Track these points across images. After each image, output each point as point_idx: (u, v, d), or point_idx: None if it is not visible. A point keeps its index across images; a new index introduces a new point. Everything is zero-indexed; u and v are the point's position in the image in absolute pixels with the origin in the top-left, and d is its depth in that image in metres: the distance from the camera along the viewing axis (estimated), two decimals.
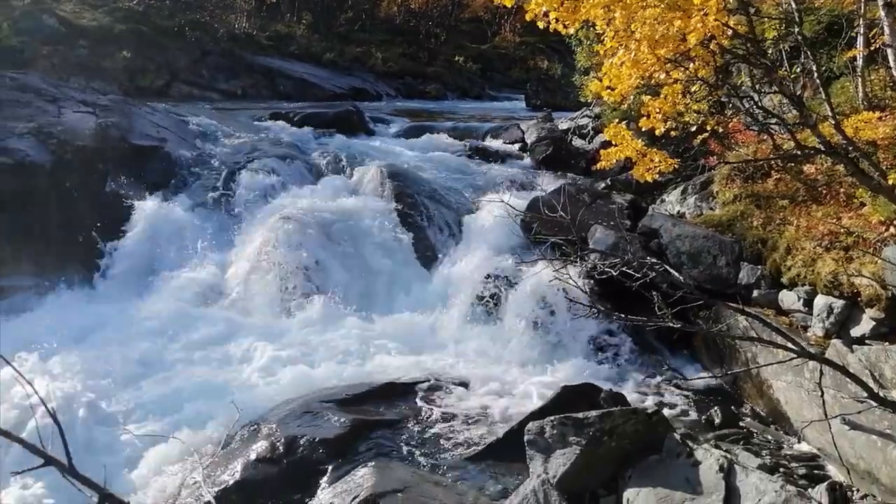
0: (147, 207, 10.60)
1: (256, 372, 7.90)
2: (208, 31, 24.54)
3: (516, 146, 14.99)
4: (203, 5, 25.71)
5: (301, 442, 6.15)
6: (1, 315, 9.10)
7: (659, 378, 8.27)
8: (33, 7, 21.95)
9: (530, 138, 14.80)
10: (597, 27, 5.57)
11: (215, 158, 12.30)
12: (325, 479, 5.86)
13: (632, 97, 6.66)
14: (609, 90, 5.63)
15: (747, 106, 6.74)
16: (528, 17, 5.49)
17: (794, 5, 5.69)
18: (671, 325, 3.60)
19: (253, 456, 6.06)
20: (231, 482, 5.85)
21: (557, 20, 5.25)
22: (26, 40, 20.10)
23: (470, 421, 6.93)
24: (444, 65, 32.43)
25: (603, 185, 11.98)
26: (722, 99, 9.79)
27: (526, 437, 5.35)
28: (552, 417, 5.36)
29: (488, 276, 9.56)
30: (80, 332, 8.41)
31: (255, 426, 6.54)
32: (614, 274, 3.68)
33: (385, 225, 10.70)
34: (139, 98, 15.65)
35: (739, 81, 10.06)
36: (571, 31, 5.33)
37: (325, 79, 24.98)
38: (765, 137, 8.83)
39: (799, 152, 5.68)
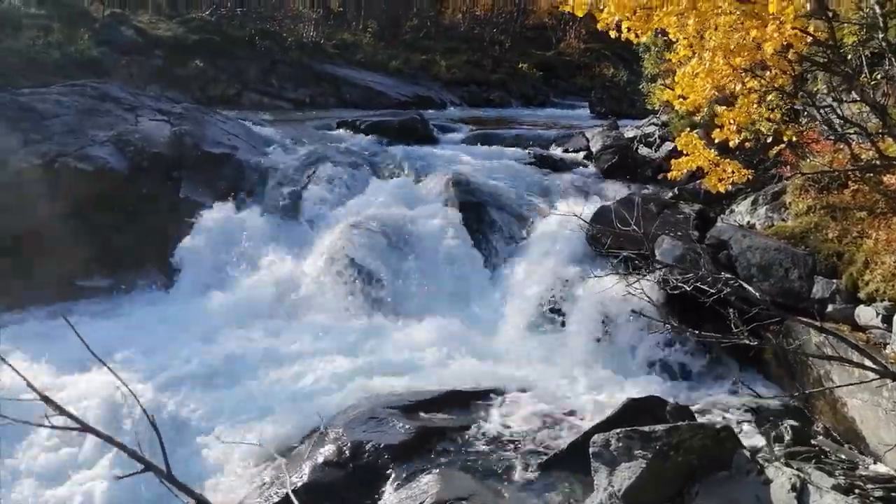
0: (219, 213, 10.91)
1: (322, 377, 8.03)
2: (277, 41, 25.10)
3: (581, 154, 14.87)
4: (273, 16, 26.31)
5: (367, 447, 6.23)
6: (78, 315, 9.48)
7: (727, 393, 8.09)
8: (112, 19, 22.83)
9: (595, 146, 14.66)
10: (669, 35, 5.51)
11: (284, 166, 12.55)
12: (389, 483, 5.92)
13: (705, 107, 6.54)
14: (681, 99, 5.56)
15: (825, 114, 6.54)
16: (599, 27, 5.45)
17: (877, 9, 5.51)
18: (747, 342, 3.53)
19: (320, 459, 6.17)
20: (299, 484, 5.96)
21: (630, 29, 5.20)
22: (106, 51, 20.91)
23: (533, 431, 6.91)
24: (508, 72, 32.41)
25: (670, 194, 11.78)
26: (796, 107, 9.54)
27: (591, 450, 5.30)
28: (618, 430, 5.30)
29: (552, 286, 9.51)
30: (155, 334, 8.69)
31: (323, 431, 6.65)
32: (687, 289, 3.62)
33: (449, 232, 10.75)
34: (211, 106, 16.10)
35: (815, 88, 9.79)
36: (644, 39, 5.29)
37: (390, 87, 25.25)
38: (841, 147, 8.57)
39: (880, 162, 5.50)
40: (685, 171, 5.70)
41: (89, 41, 20.88)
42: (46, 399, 2.11)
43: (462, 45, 34.04)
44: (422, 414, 6.91)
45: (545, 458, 6.30)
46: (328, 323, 9.40)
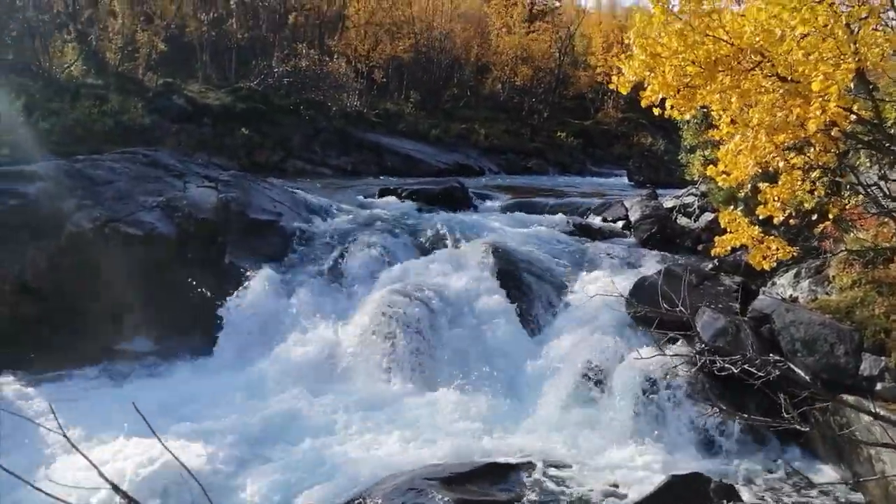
0: (262, 279, 11.08)
1: (361, 445, 8.01)
2: (321, 110, 25.86)
3: (619, 223, 14.92)
4: (318, 85, 27.16)
5: None
6: (123, 378, 9.63)
7: (768, 464, 7.91)
8: (164, 88, 23.76)
9: (634, 216, 14.70)
10: (712, 111, 5.59)
11: (327, 233, 12.78)
12: None
13: (749, 184, 6.57)
14: (724, 175, 5.59)
15: (871, 192, 6.52)
16: (643, 104, 5.55)
17: None
18: (797, 427, 3.47)
19: None
20: None
21: (673, 107, 5.29)
22: (157, 119, 21.74)
23: None
24: (545, 140, 32.86)
25: (710, 265, 11.70)
26: (838, 180, 9.51)
27: None
28: None
29: (591, 356, 9.43)
30: (196, 399, 8.76)
31: (361, 499, 6.61)
32: (735, 371, 3.60)
33: (488, 300, 10.77)
34: (256, 173, 16.55)
35: (857, 162, 9.76)
36: (687, 117, 5.37)
37: (430, 155, 25.73)
38: (886, 221, 8.49)
39: None
40: (729, 248, 5.69)
41: (142, 110, 21.73)
42: (116, 488, 2.17)
43: (501, 114, 34.68)
44: (460, 486, 6.83)
45: None
46: (368, 390, 9.41)
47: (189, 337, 10.39)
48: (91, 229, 10.86)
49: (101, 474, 2.03)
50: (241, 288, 10.94)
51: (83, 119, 19.82)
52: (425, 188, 16.74)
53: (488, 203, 16.87)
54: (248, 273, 11.17)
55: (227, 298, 10.78)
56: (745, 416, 4.00)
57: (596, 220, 15.20)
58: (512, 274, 11.42)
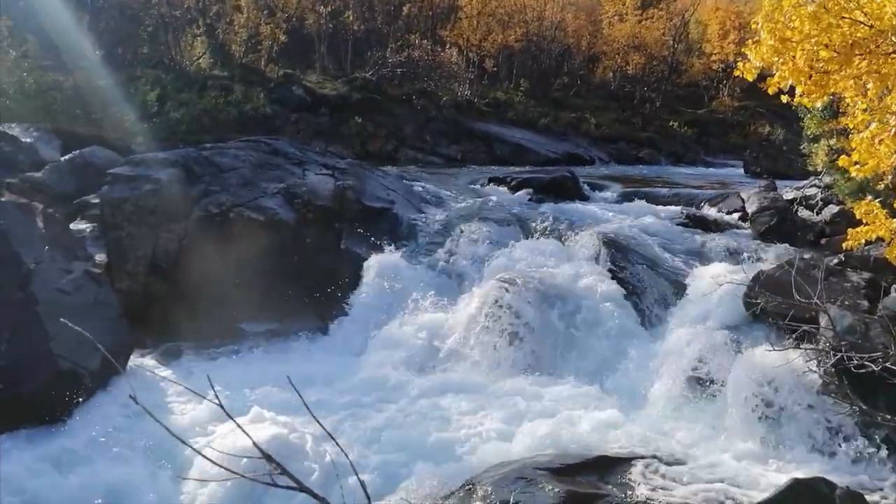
0: (376, 265, 11.39)
1: (470, 432, 8.11)
2: (433, 99, 26.21)
3: (736, 215, 14.38)
4: (430, 75, 27.52)
5: None
6: (246, 355, 10.12)
7: None
8: (284, 79, 24.67)
9: (751, 207, 14.13)
10: (845, 98, 5.34)
11: (438, 221, 12.98)
12: None
13: (890, 174, 6.23)
14: (857, 165, 5.33)
15: None
16: (770, 90, 5.36)
17: None
18: None
19: None
20: None
21: (803, 94, 5.08)
22: (278, 108, 22.63)
23: None
24: (657, 130, 32.04)
25: (836, 260, 11.12)
26: None
27: None
28: None
29: (707, 351, 9.17)
30: (312, 380, 9.08)
31: (471, 486, 6.69)
32: (876, 369, 3.43)
33: (600, 292, 10.64)
34: (369, 161, 16.96)
35: None
36: (818, 104, 5.15)
37: (540, 144, 25.59)
38: None
39: None
40: (863, 241, 5.42)
41: (263, 99, 22.67)
42: (269, 458, 2.32)
43: (612, 103, 34.07)
44: (570, 477, 6.80)
45: None
46: (476, 377, 9.50)
47: (307, 318, 10.83)
48: (217, 214, 11.44)
49: (254, 443, 2.18)
50: (355, 273, 11.28)
51: (210, 109, 20.88)
52: (535, 177, 16.66)
53: (599, 193, 16.62)
54: (362, 258, 11.51)
55: (343, 282, 11.14)
56: (888, 416, 3.79)
57: (711, 212, 14.72)
58: (624, 265, 11.24)
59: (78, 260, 9.93)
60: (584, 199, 15.98)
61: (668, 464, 7.41)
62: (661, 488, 6.88)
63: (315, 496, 2.27)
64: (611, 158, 27.59)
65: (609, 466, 7.17)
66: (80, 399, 8.29)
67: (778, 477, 7.03)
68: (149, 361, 9.72)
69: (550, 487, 6.49)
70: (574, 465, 7.04)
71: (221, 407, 2.20)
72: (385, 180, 13.96)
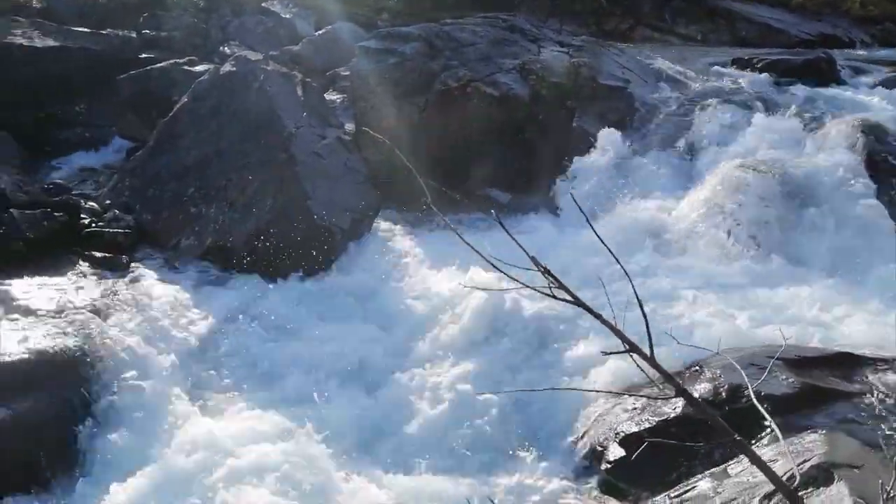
0: (608, 144, 11.24)
1: (696, 317, 7.96)
2: None
3: None
4: None
5: (745, 392, 6.14)
6: (476, 225, 10.57)
7: None
8: None
9: None
10: None
11: (673, 101, 12.46)
12: (766, 432, 5.81)
13: None
14: None
15: None
16: None
17: None
18: None
19: (695, 395, 6.24)
20: (672, 415, 6.17)
21: None
22: None
23: None
24: None
25: None
26: None
27: None
28: None
29: None
30: (546, 251, 9.19)
31: (697, 368, 6.72)
32: None
33: (853, 186, 9.81)
34: (604, 39, 16.40)
35: None
36: None
37: (790, 24, 23.24)
38: None
39: None
40: None
41: None
42: (546, 271, 2.52)
43: None
44: (807, 371, 6.57)
45: None
46: (706, 264, 9.26)
47: (539, 193, 11.09)
48: (455, 87, 11.79)
49: (529, 256, 2.39)
50: (586, 151, 11.24)
51: None
52: (784, 59, 15.24)
53: (861, 78, 14.92)
54: (593, 137, 11.40)
55: (573, 160, 11.17)
56: None
57: None
58: (884, 157, 10.25)
59: (331, 127, 10.77)
60: (843, 83, 14.45)
61: None
62: None
63: (590, 311, 2.45)
64: (874, 41, 24.45)
65: (850, 365, 6.80)
66: (334, 256, 9.21)
67: None
68: (390, 225, 10.50)
69: (784, 377, 6.35)
70: (810, 358, 6.77)
71: (508, 232, 2.43)
72: (621, 58, 13.51)
